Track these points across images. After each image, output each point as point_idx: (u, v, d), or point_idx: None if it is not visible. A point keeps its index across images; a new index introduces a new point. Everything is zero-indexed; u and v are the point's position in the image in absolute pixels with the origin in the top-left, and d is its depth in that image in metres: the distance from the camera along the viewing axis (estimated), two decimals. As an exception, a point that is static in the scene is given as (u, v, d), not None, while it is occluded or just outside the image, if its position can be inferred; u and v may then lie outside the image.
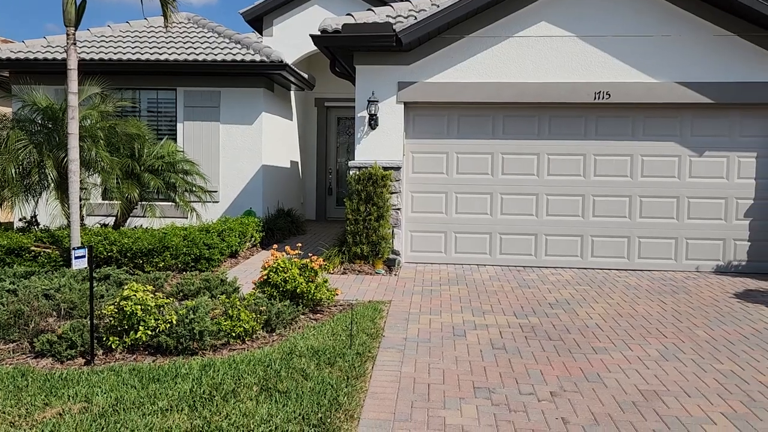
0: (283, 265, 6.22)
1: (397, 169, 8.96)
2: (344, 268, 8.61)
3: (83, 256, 4.78)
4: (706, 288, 7.95)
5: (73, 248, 4.71)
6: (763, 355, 5.40)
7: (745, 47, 8.51)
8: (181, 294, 6.65)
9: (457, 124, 9.26)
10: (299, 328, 5.90)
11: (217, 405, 4.01)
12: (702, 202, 8.91)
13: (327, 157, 15.21)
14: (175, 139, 11.44)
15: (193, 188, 9.60)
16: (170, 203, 9.81)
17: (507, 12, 8.82)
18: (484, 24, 8.87)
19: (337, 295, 6.52)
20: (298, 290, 6.14)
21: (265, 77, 11.36)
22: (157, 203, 9.93)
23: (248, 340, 5.46)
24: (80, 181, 8.54)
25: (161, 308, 5.33)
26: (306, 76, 12.30)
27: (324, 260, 8.55)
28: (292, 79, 11.78)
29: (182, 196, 9.41)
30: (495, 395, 4.48)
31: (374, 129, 9.04)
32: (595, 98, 8.75)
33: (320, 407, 4.03)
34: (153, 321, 5.11)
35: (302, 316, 6.23)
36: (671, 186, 8.96)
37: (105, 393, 4.16)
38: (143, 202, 9.56)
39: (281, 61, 10.76)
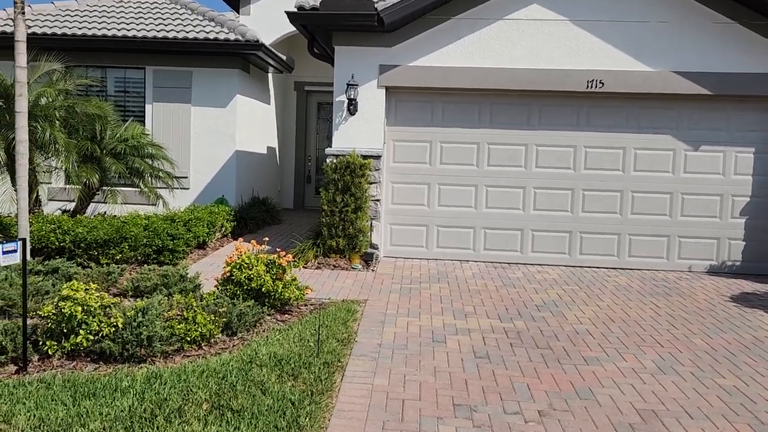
0: (247, 261, 5.67)
1: (377, 157, 8.42)
2: (319, 263, 8.08)
3: (13, 251, 4.20)
4: (700, 290, 7.54)
5: (1, 242, 4.13)
6: (767, 368, 4.97)
7: (746, 36, 8.06)
8: (137, 290, 6.08)
9: (442, 111, 8.73)
10: (264, 331, 5.37)
11: (157, 427, 3.48)
12: (696, 199, 8.49)
13: (306, 144, 14.60)
14: (143, 122, 10.79)
15: (160, 173, 8.99)
16: (136, 189, 9.21)
17: (497, -8, 8.29)
18: (472, 4, 8.32)
19: (307, 294, 5.99)
20: (263, 289, 5.60)
21: (241, 58, 10.72)
22: (121, 189, 9.34)
23: (205, 346, 4.92)
24: (38, 164, 7.93)
25: (107, 309, 4.76)
26: (284, 57, 11.67)
27: (297, 254, 8.04)
28: (269, 60, 11.15)
29: (147, 181, 8.80)
30: (477, 414, 3.99)
31: (353, 115, 8.48)
32: (587, 87, 8.26)
33: (278, 431, 3.51)
34: (96, 324, 4.55)
35: (268, 318, 5.70)
36: (665, 181, 8.52)
37: (29, 411, 3.61)
38: (106, 188, 8.96)
39: (257, 41, 10.13)
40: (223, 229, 9.52)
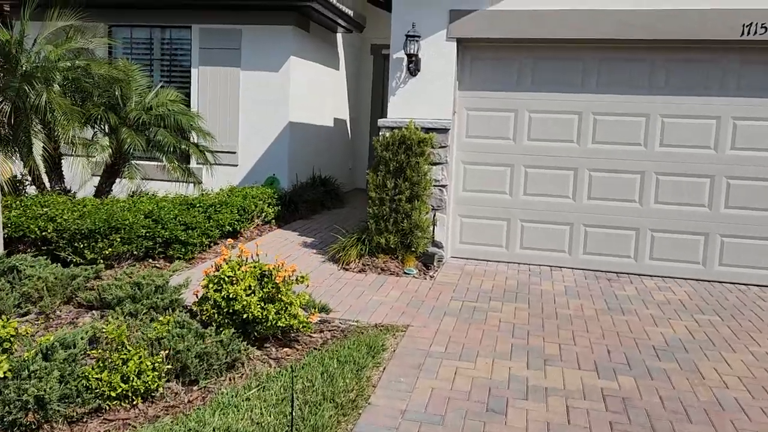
0: (230, 274, 4.05)
1: (444, 131, 6.52)
2: (363, 264, 6.36)
3: None
4: None
5: None
6: None
7: None
8: (103, 303, 4.66)
9: (532, 70, 6.65)
10: (242, 377, 3.75)
11: None
12: None
13: (384, 116, 12.82)
14: (188, 88, 9.50)
15: (189, 148, 7.61)
16: (169, 165, 7.88)
17: None
18: (577, -77, 6.15)
19: (313, 320, 4.27)
20: (245, 316, 3.96)
21: (295, 12, 9.10)
22: (153, 164, 8.14)
23: (142, 403, 3.36)
24: (35, 132, 6.74)
25: (6, 343, 3.31)
26: (350, 12, 9.93)
27: (338, 252, 6.38)
28: (331, 15, 9.45)
29: (171, 157, 7.45)
30: None
31: (414, 76, 6.61)
32: (743, 33, 5.86)
33: None
34: (-27, 370, 3.10)
35: (258, 353, 4.07)
36: None
37: None
38: (140, 162, 7.76)
39: (311, -11, 8.46)
40: (264, 215, 8.03)
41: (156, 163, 8.17)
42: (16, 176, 8.26)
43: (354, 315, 5.00)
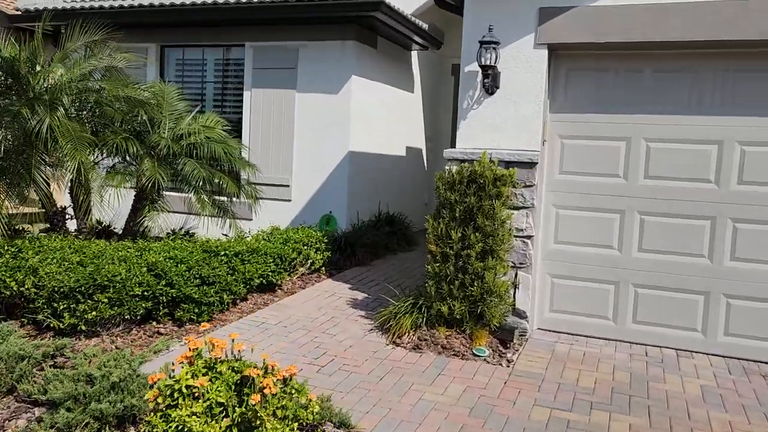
0: (189, 384, 2.69)
1: (529, 165, 4.95)
2: (419, 338, 4.86)
3: None
4: None
5: None
6: None
7: None
8: (49, 399, 3.44)
9: (652, 85, 4.97)
10: None
11: None
12: None
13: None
14: (239, 113, 8.50)
15: (222, 181, 6.47)
16: (228, 199, 6.76)
17: None
18: None
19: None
20: (201, 457, 2.58)
21: (357, 24, 7.86)
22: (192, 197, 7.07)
23: None
24: (35, 163, 5.77)
25: None
26: (423, 25, 8.57)
27: (389, 320, 4.95)
28: (398, 26, 8.10)
29: (200, 191, 6.34)
30: None
31: (491, 94, 5.11)
32: None
33: None
34: None
35: (227, 507, 2.67)
36: None
37: None
38: (173, 193, 6.75)
39: (374, -3, 7.19)
40: (310, 262, 6.73)
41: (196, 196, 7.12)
42: (64, 207, 7.37)
43: (390, 429, 3.51)
